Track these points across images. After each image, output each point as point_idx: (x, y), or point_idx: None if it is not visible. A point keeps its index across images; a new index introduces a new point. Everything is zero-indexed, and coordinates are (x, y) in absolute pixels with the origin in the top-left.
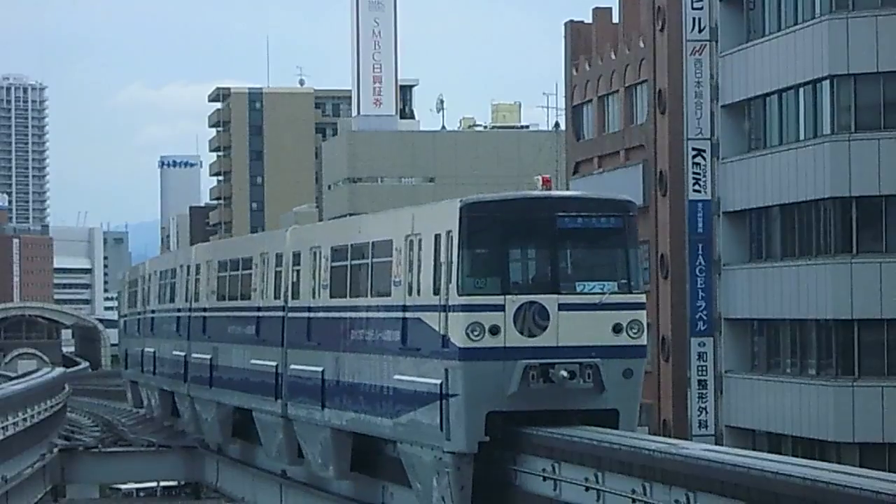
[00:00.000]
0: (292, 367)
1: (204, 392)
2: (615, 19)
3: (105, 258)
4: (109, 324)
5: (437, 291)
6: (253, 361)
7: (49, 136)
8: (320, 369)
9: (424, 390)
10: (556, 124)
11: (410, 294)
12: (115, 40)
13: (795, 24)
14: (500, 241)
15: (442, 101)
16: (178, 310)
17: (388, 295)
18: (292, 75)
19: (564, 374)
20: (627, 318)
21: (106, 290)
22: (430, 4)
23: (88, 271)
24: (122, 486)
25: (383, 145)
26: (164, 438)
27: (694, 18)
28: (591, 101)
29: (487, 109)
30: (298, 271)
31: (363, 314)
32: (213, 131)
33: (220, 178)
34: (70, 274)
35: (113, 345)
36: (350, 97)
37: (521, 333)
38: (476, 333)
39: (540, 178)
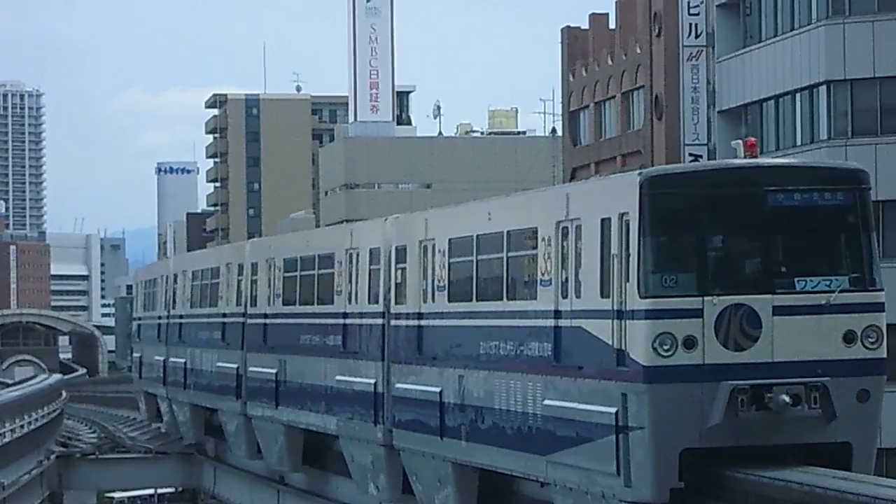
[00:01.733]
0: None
1: (267, 411)
2: (612, 25)
3: (102, 265)
4: (107, 330)
5: (606, 293)
6: (341, 378)
7: (46, 143)
8: (438, 389)
9: (592, 421)
10: (553, 130)
11: (565, 296)
12: (111, 47)
13: (792, 29)
14: (695, 226)
15: (439, 107)
16: (225, 315)
17: (532, 298)
18: (289, 81)
19: (786, 398)
20: (863, 323)
21: (103, 297)
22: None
23: (85, 278)
24: (116, 496)
25: (380, 151)
26: (161, 445)
27: (690, 24)
28: (587, 106)
29: (484, 115)
30: (403, 268)
31: (494, 322)
32: (210, 138)
33: (217, 184)
34: (67, 280)
35: (110, 351)
36: (347, 103)
37: (726, 347)
38: (666, 347)
39: (742, 142)
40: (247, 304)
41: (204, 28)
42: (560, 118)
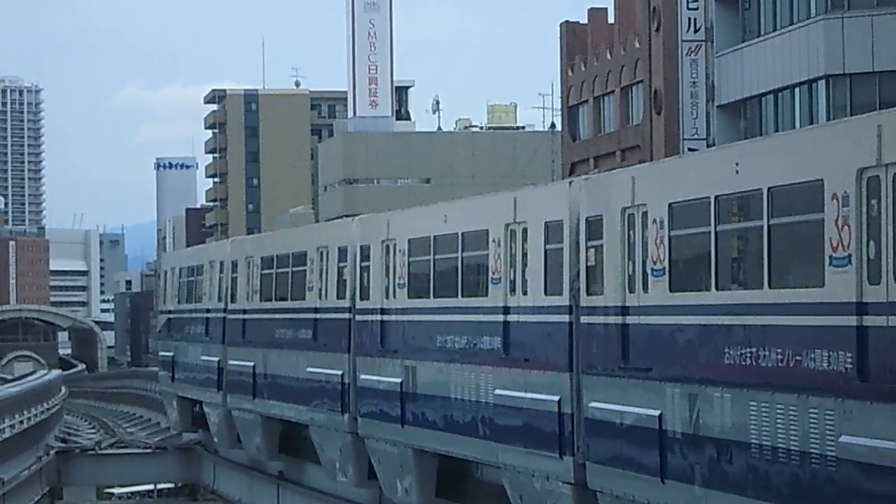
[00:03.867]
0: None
1: (391, 432)
2: (611, 20)
3: (101, 260)
4: (106, 326)
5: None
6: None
7: (45, 139)
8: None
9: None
10: (552, 125)
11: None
12: (110, 43)
13: (791, 24)
14: None
15: (438, 103)
16: (317, 310)
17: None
18: (288, 77)
19: None
20: None
21: (102, 293)
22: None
23: (85, 273)
24: (115, 491)
25: (379, 147)
26: (161, 440)
27: (689, 18)
28: (586, 101)
29: (483, 110)
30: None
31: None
32: (209, 133)
33: (216, 179)
34: (66, 276)
35: (109, 347)
36: (346, 98)
37: None
38: None
39: None
40: (355, 298)
41: (203, 23)
42: (559, 113)
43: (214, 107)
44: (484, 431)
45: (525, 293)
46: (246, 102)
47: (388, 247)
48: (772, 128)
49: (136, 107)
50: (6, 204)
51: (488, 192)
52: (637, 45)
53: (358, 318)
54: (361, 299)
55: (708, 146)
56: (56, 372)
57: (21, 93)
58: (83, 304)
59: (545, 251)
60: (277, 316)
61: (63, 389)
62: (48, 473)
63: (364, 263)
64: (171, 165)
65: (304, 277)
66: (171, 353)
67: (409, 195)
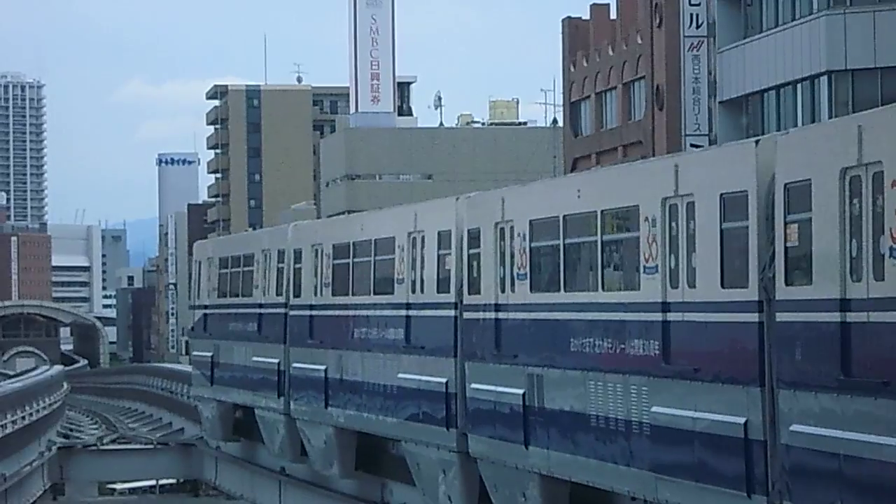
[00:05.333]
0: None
1: (512, 454)
2: (613, 15)
3: (103, 256)
4: (108, 322)
5: (441, 290)
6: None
7: (47, 134)
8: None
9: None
10: (554, 121)
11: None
12: (112, 38)
13: (793, 19)
14: None
15: (440, 98)
16: (409, 307)
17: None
18: (290, 72)
19: None
20: None
21: (104, 288)
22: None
23: (87, 269)
24: (118, 487)
25: (381, 142)
26: (163, 436)
27: (691, 14)
28: (588, 97)
29: (485, 106)
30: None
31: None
32: (211, 129)
33: (218, 175)
34: (68, 272)
35: (111, 343)
36: (348, 94)
37: None
38: None
39: None
40: (462, 292)
41: (205, 19)
42: (561, 109)
43: (216, 102)
44: (640, 461)
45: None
46: (248, 98)
47: (502, 230)
48: (774, 124)
49: (138, 102)
50: (8, 199)
51: (491, 188)
52: (639, 40)
53: (466, 315)
54: (470, 293)
55: (710, 142)
56: (58, 368)
57: (23, 88)
58: (85, 299)
59: (721, 231)
60: (355, 313)
61: (65, 385)
62: (50, 469)
63: (472, 251)
64: (172, 161)
65: (392, 268)
66: (208, 353)
67: (411, 191)
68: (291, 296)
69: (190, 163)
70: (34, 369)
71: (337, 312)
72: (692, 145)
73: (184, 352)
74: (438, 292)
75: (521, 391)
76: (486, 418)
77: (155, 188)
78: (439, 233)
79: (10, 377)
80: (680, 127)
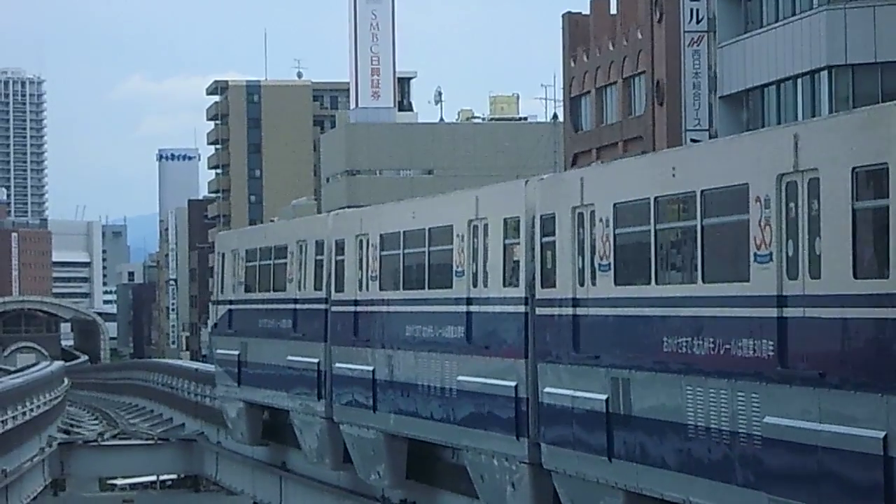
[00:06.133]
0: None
1: (590, 466)
2: (613, 11)
3: (104, 251)
4: (108, 317)
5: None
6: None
7: (47, 130)
8: (236, 353)
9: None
10: (555, 116)
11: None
12: (113, 34)
13: (793, 14)
14: None
15: (440, 94)
16: (469, 301)
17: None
18: (290, 68)
19: None
20: None
21: (105, 284)
22: None
23: (87, 265)
24: (118, 482)
25: (381, 138)
26: (163, 432)
27: (692, 9)
28: (589, 92)
29: (486, 101)
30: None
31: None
32: (211, 124)
33: (219, 171)
34: (69, 267)
35: (112, 338)
36: (348, 90)
37: None
38: None
39: None
40: (534, 286)
41: (205, 15)
42: (561, 104)
43: (217, 98)
44: (746, 478)
45: (816, 276)
46: (248, 93)
47: (581, 215)
48: (774, 119)
49: (139, 98)
50: (9, 195)
51: (488, 183)
52: (639, 35)
53: (538, 311)
54: (543, 287)
55: (710, 137)
56: (58, 363)
57: (23, 84)
58: (86, 295)
59: (853, 211)
60: (407, 309)
61: (65, 381)
62: (51, 465)
63: (546, 239)
64: (173, 157)
65: (451, 259)
66: (235, 352)
67: (412, 186)
68: (333, 290)
69: (190, 158)
70: (35, 365)
71: (386, 308)
72: (692, 140)
73: (184, 347)
74: (505, 286)
75: (603, 396)
76: (562, 426)
77: (155, 184)
78: (505, 220)
79: (11, 373)
80: (680, 122)
